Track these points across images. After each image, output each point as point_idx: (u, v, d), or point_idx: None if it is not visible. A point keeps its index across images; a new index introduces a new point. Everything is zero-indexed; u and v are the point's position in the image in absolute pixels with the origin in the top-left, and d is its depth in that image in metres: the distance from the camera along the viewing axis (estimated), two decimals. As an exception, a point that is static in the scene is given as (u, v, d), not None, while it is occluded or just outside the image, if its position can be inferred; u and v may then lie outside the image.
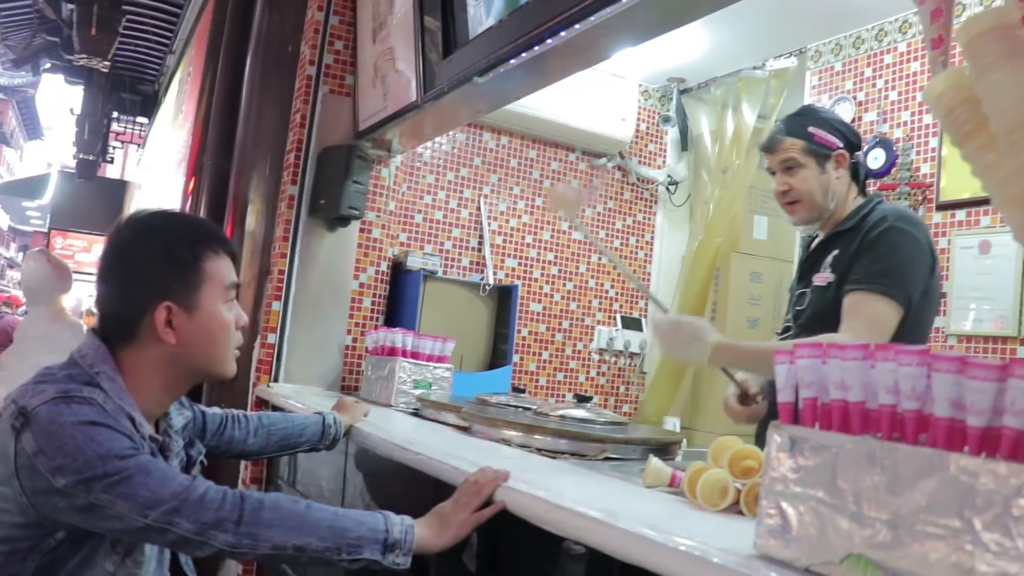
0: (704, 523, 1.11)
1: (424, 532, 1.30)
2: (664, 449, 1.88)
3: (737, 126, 4.15)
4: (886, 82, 3.39)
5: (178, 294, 1.33)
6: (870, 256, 1.86)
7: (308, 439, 1.89)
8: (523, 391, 2.37)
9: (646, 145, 4.45)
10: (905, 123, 3.30)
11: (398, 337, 2.70)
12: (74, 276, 3.83)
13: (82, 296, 11.72)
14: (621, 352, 4.27)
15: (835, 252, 1.97)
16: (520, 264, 4.04)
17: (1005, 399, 0.69)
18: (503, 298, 3.69)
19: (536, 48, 2.06)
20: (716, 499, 1.18)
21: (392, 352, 2.70)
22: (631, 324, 4.31)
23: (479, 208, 3.96)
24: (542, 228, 4.12)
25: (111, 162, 13.80)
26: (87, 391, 1.23)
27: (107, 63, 7.91)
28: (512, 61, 2.16)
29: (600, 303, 4.27)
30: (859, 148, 2.07)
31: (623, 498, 1.33)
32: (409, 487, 1.81)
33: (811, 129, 1.99)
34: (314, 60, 3.24)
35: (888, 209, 1.95)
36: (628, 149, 4.33)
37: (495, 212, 4.01)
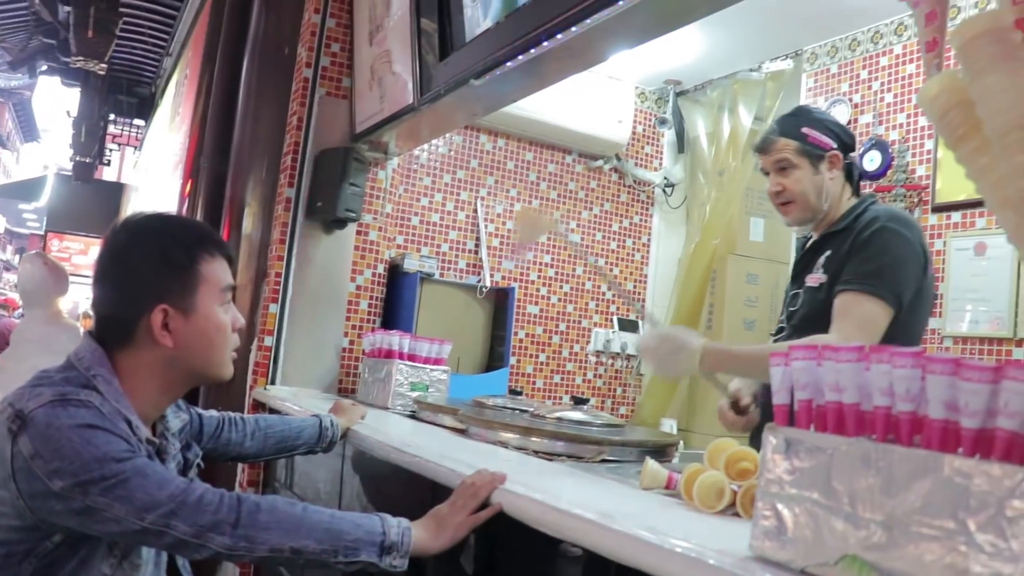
0: (700, 525, 1.11)
1: (421, 534, 1.30)
2: (661, 451, 1.89)
3: (733, 128, 4.15)
4: (882, 84, 3.40)
5: (174, 297, 1.34)
6: (861, 257, 1.85)
7: (305, 442, 1.89)
8: (520, 393, 2.37)
9: (642, 147, 4.46)
10: (901, 125, 3.30)
11: (395, 339, 2.70)
12: (71, 279, 3.82)
13: (79, 299, 11.71)
14: (618, 354, 4.27)
15: (827, 253, 1.96)
16: (517, 266, 4.05)
17: (999, 401, 0.70)
18: (500, 300, 3.69)
19: (533, 51, 2.06)
20: (712, 501, 1.18)
21: (389, 354, 2.70)
22: (628, 326, 4.31)
23: (476, 210, 3.97)
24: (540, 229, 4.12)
25: (108, 164, 13.76)
26: (84, 394, 1.23)
27: (104, 65, 7.90)
28: (509, 63, 2.17)
29: (597, 305, 4.27)
30: (853, 149, 2.07)
31: (620, 500, 1.33)
32: (406, 489, 1.81)
33: (805, 130, 1.99)
34: (311, 63, 3.24)
35: (880, 210, 1.95)
36: (624, 151, 4.33)
37: (492, 214, 4.01)
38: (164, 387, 1.38)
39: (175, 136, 7.23)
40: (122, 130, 12.70)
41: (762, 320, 4.07)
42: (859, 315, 1.81)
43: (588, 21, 1.85)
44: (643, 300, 4.42)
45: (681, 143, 4.51)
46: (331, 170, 3.09)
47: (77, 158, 11.39)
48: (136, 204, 11.03)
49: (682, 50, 3.93)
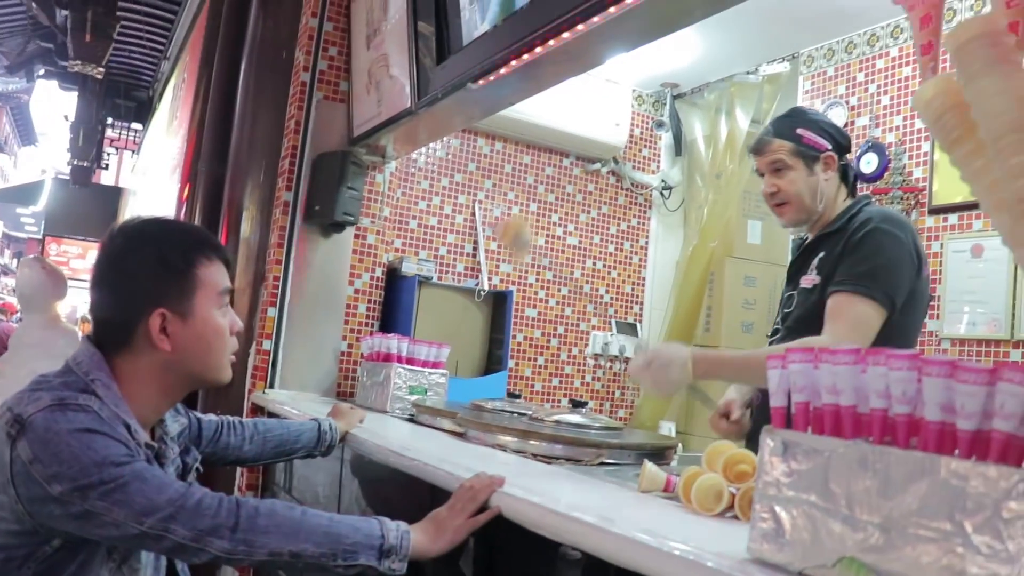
0: (699, 527, 1.11)
1: (420, 538, 1.30)
2: (659, 454, 1.89)
3: (731, 131, 4.16)
4: (878, 87, 3.41)
5: (172, 301, 1.34)
6: (854, 258, 1.85)
7: (304, 445, 1.89)
8: (518, 396, 2.37)
9: (640, 150, 4.46)
10: (897, 127, 3.31)
11: (393, 343, 2.70)
12: (69, 283, 3.82)
13: (77, 303, 11.69)
14: (616, 357, 4.28)
15: (821, 254, 1.96)
16: (515, 269, 4.05)
17: (994, 402, 0.70)
18: (498, 303, 3.69)
19: (531, 54, 2.06)
20: (711, 504, 1.19)
21: (387, 358, 2.70)
22: (626, 329, 4.31)
23: (474, 214, 3.97)
24: (537, 234, 4.12)
25: (106, 168, 13.77)
26: (83, 398, 1.23)
27: (101, 69, 7.90)
28: (506, 67, 2.17)
29: (595, 308, 4.28)
30: (848, 150, 2.07)
31: (618, 503, 1.33)
32: (405, 493, 1.81)
33: (799, 131, 1.99)
34: (308, 66, 3.24)
35: (874, 211, 1.94)
36: (622, 154, 4.34)
37: (490, 217, 4.02)
38: (163, 391, 1.38)
39: (173, 140, 7.24)
40: (120, 134, 12.71)
41: (760, 322, 4.08)
42: (851, 316, 1.80)
43: (584, 25, 1.86)
44: (641, 305, 4.43)
45: (678, 146, 4.52)
46: (329, 174, 3.10)
47: (75, 162, 11.39)
48: (134, 208, 11.03)
49: (679, 53, 3.94)
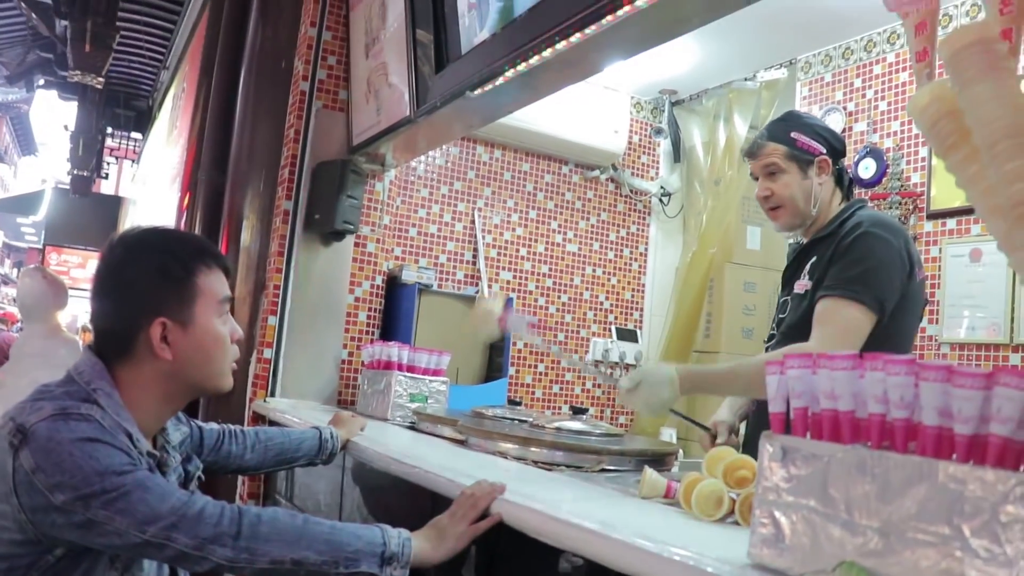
0: (699, 533, 1.12)
1: (421, 545, 1.31)
2: (660, 460, 1.89)
3: (729, 137, 4.17)
4: (875, 92, 3.42)
5: (172, 309, 1.34)
6: (843, 262, 1.84)
7: (305, 454, 1.89)
8: (519, 403, 2.37)
9: (639, 157, 4.47)
10: (895, 133, 3.32)
11: (394, 351, 2.70)
12: (70, 292, 3.83)
13: (78, 312, 11.70)
14: (616, 363, 4.28)
15: (813, 259, 1.96)
16: (515, 277, 4.05)
17: (991, 407, 0.70)
18: (498, 310, 3.69)
19: (529, 62, 2.07)
20: (711, 509, 1.19)
21: (388, 366, 2.70)
22: (626, 336, 4.32)
23: (473, 221, 3.98)
24: (536, 240, 4.13)
25: (106, 178, 13.77)
26: (84, 408, 1.24)
27: (101, 79, 7.91)
28: (505, 75, 2.18)
29: (595, 315, 4.28)
30: (843, 154, 2.06)
31: (619, 509, 1.33)
32: (406, 500, 1.81)
33: (793, 134, 1.98)
34: (307, 75, 3.25)
35: (865, 215, 1.93)
36: (621, 161, 4.35)
37: (489, 225, 4.02)
38: (164, 400, 1.39)
39: (173, 149, 7.25)
40: (120, 143, 12.72)
41: (760, 328, 4.08)
42: (839, 321, 1.79)
43: (584, 32, 1.87)
44: (641, 311, 4.43)
45: (677, 152, 4.53)
46: (328, 182, 3.11)
47: (75, 172, 11.39)
48: (134, 217, 11.04)
49: (677, 60, 3.95)
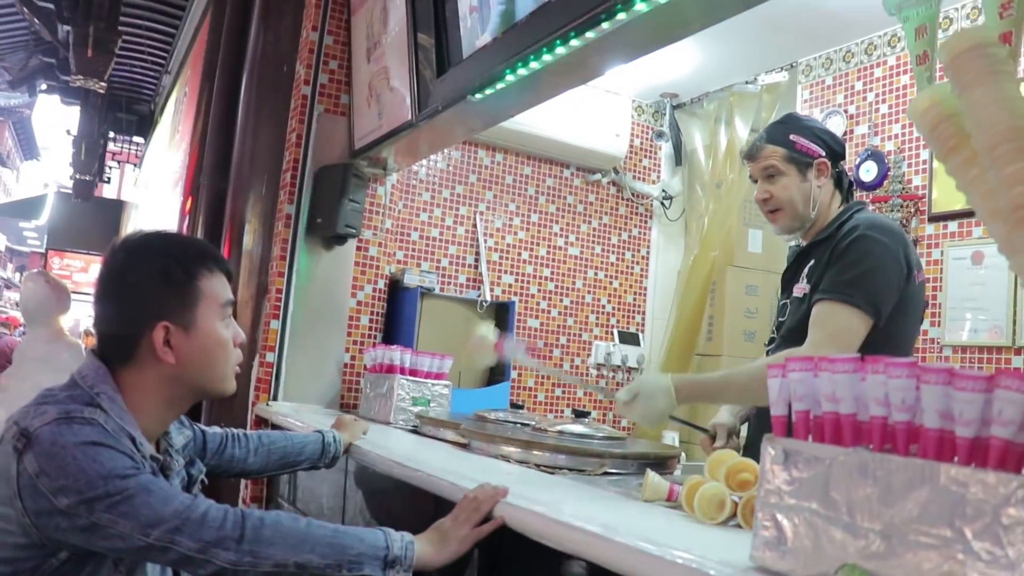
0: (702, 536, 1.12)
1: (424, 548, 1.31)
2: (662, 463, 1.89)
3: (730, 140, 4.18)
4: (876, 95, 3.43)
5: (175, 313, 1.35)
6: (839, 265, 1.83)
7: (308, 457, 1.89)
8: (521, 407, 2.38)
9: (640, 160, 4.48)
10: (896, 135, 3.32)
11: (396, 354, 2.71)
12: (72, 296, 3.83)
13: (80, 316, 11.70)
14: (619, 367, 4.28)
15: (811, 262, 1.95)
16: (517, 280, 4.06)
17: (992, 409, 0.71)
18: (500, 314, 3.70)
19: (531, 65, 2.08)
20: (713, 512, 1.19)
21: (390, 369, 2.70)
22: (628, 339, 4.32)
23: (475, 225, 3.98)
24: (538, 244, 4.13)
25: (108, 182, 13.81)
26: (88, 412, 1.24)
27: (103, 84, 7.93)
28: (506, 79, 2.18)
29: (597, 318, 4.28)
30: (843, 157, 2.05)
31: (621, 512, 1.34)
32: (409, 504, 1.82)
33: (792, 137, 1.97)
34: (309, 80, 3.26)
35: (862, 218, 1.92)
36: (622, 164, 4.35)
37: (491, 229, 4.03)
38: (168, 403, 1.39)
39: (175, 153, 7.26)
40: (122, 147, 12.75)
41: (762, 331, 4.08)
42: (834, 325, 1.79)
43: (584, 37, 1.87)
44: (643, 315, 4.43)
45: (678, 156, 4.53)
46: (330, 186, 3.11)
47: (77, 176, 11.42)
48: (136, 221, 11.06)
49: (678, 63, 3.95)
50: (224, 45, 4.45)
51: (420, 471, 1.64)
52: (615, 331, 4.32)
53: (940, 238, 3.10)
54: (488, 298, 3.78)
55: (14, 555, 1.20)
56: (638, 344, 4.33)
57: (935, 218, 3.13)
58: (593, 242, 4.30)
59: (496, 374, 3.62)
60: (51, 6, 7.05)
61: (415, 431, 2.47)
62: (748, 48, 3.77)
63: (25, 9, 7.25)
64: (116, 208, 13.90)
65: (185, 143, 6.12)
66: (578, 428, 1.99)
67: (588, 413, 2.14)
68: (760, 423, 2.09)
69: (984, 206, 0.82)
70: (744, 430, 2.21)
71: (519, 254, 4.08)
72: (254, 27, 3.71)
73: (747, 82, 4.09)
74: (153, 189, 9.49)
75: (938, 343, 3.06)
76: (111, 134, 11.93)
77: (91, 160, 11.10)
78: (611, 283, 4.34)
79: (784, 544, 0.86)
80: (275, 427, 2.76)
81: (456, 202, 3.95)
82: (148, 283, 1.35)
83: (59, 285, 3.70)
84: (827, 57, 3.67)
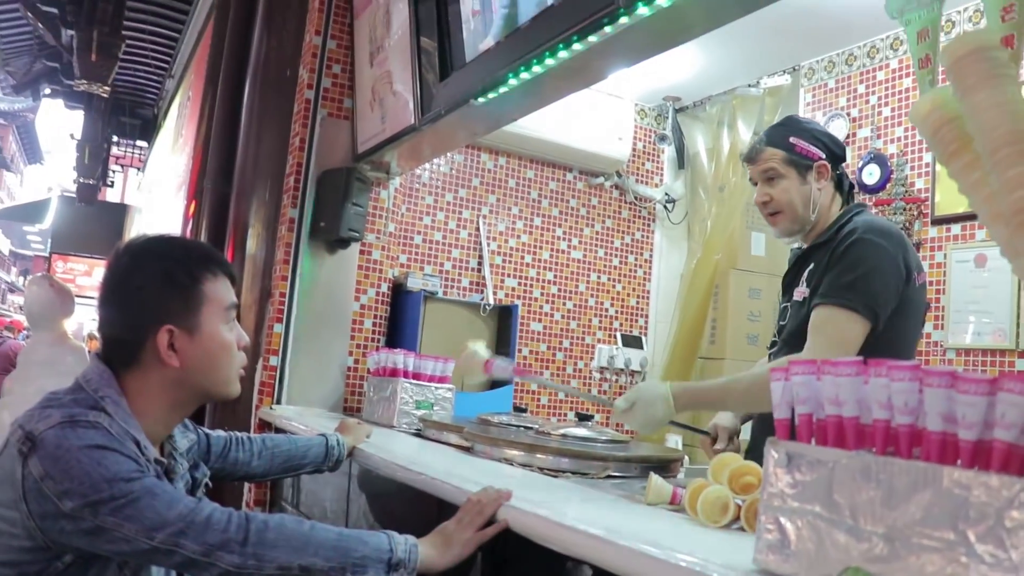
0: (705, 539, 1.12)
1: (428, 551, 1.31)
2: (665, 467, 1.89)
3: (733, 143, 4.18)
4: (879, 98, 3.43)
5: (179, 317, 1.35)
6: (838, 269, 1.83)
7: (311, 461, 1.90)
8: (525, 410, 2.38)
9: (643, 163, 4.48)
10: (899, 139, 3.32)
11: (399, 358, 2.71)
12: (76, 300, 3.84)
13: (84, 320, 11.73)
14: (622, 370, 4.28)
15: (811, 266, 1.95)
16: (520, 284, 4.06)
17: (995, 412, 0.71)
18: (503, 318, 3.70)
19: (533, 69, 2.08)
20: (717, 515, 1.19)
21: (394, 373, 2.71)
22: (631, 342, 4.32)
23: (478, 228, 3.98)
24: (541, 248, 4.14)
25: (111, 186, 13.86)
26: (92, 415, 1.25)
27: (107, 88, 7.96)
28: (509, 82, 2.19)
29: (600, 322, 4.28)
30: (843, 159, 2.05)
31: (625, 516, 1.34)
32: (412, 507, 1.82)
33: (792, 139, 1.97)
34: (312, 84, 3.26)
35: (861, 221, 1.91)
36: (625, 168, 4.35)
37: (494, 232, 4.03)
38: (172, 407, 1.39)
39: (178, 157, 7.28)
40: (125, 152, 12.79)
41: (765, 334, 4.07)
42: (832, 330, 1.79)
43: (586, 42, 1.87)
44: (646, 318, 4.43)
45: (681, 159, 4.53)
46: (334, 190, 3.12)
47: (81, 180, 11.45)
48: (140, 225, 11.08)
49: (681, 67, 3.96)
50: (227, 49, 4.46)
51: (423, 474, 1.64)
52: (618, 334, 4.32)
53: (943, 241, 3.10)
54: (491, 302, 3.78)
55: (19, 558, 1.20)
56: (641, 347, 4.33)
57: (938, 221, 3.13)
58: (596, 245, 4.30)
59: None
60: (55, 11, 7.08)
61: (418, 434, 2.47)
62: (750, 51, 3.78)
63: (29, 14, 7.29)
64: (119, 212, 13.94)
65: (188, 147, 6.13)
66: (581, 431, 2.00)
67: (591, 416, 2.15)
68: (762, 426, 2.08)
69: (986, 209, 0.82)
70: (744, 431, 2.21)
71: (522, 258, 4.08)
72: (257, 31, 3.72)
73: (750, 85, 4.10)
74: (156, 193, 9.51)
75: (941, 346, 3.06)
76: (115, 138, 11.97)
77: (95, 164, 11.13)
78: (614, 286, 4.34)
79: (787, 547, 0.86)
80: (279, 430, 2.76)
81: (459, 206, 3.96)
82: (152, 287, 1.35)
83: (63, 289, 3.72)
84: (829, 60, 3.68)
